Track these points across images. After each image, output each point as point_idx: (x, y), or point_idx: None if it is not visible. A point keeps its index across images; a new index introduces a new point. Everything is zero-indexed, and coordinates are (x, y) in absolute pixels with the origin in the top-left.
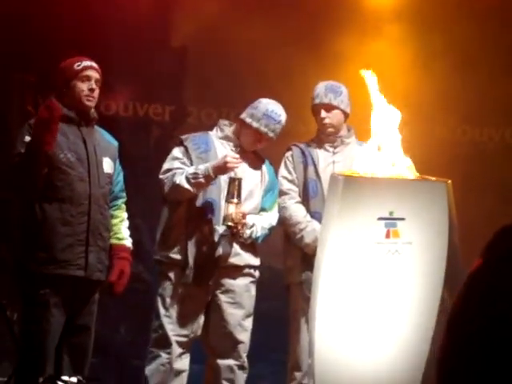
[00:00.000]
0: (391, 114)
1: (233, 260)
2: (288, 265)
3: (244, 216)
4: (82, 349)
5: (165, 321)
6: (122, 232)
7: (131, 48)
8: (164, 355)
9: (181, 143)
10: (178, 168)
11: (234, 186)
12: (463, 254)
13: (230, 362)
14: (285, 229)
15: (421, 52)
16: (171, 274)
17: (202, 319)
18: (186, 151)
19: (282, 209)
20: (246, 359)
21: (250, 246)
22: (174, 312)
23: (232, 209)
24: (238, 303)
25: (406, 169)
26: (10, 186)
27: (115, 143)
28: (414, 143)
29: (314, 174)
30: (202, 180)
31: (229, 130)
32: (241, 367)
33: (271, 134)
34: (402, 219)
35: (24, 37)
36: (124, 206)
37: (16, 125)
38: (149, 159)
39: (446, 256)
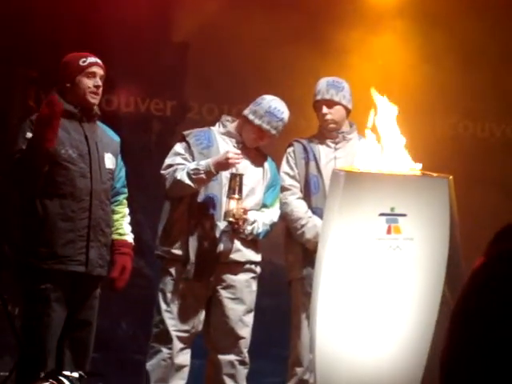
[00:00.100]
0: (391, 111)
1: (234, 256)
2: (289, 260)
3: (245, 212)
4: (83, 344)
5: (166, 316)
6: (124, 227)
7: (133, 44)
8: (165, 350)
9: (183, 139)
10: (180, 164)
11: (236, 182)
12: (465, 250)
13: (231, 357)
14: (286, 224)
15: (423, 48)
16: (172, 270)
17: (202, 315)
18: (188, 147)
19: (283, 204)
20: (247, 354)
21: (252, 242)
22: (175, 307)
23: (233, 204)
24: (239, 299)
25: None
26: (11, 182)
27: (117, 139)
28: (415, 138)
29: (316, 170)
30: (204, 176)
31: (231, 126)
32: (242, 362)
33: (273, 132)
34: (404, 215)
35: (26, 31)
36: (125, 202)
37: (18, 120)
38: (150, 154)
39: (447, 252)
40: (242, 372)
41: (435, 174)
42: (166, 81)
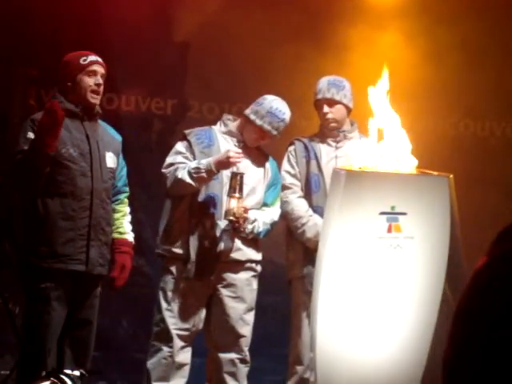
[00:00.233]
0: (392, 111)
1: (234, 255)
2: (290, 259)
3: (246, 211)
4: (84, 342)
5: (166, 315)
6: (124, 226)
7: (133, 43)
8: (166, 349)
9: (184, 138)
10: (181, 162)
11: (236, 181)
12: (465, 249)
13: (232, 355)
14: (287, 223)
15: (425, 46)
16: (173, 268)
17: (203, 313)
18: (190, 146)
19: (284, 203)
20: (247, 353)
21: (252, 240)
22: (175, 306)
23: (234, 203)
24: (240, 297)
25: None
26: (12, 181)
27: (119, 138)
28: (416, 137)
29: (317, 169)
30: (204, 175)
31: (232, 125)
32: (242, 361)
33: (274, 132)
34: (404, 214)
35: (27, 31)
36: (127, 201)
37: (18, 119)
38: (151, 153)
39: (447, 250)
40: (243, 370)
41: (436, 173)
42: (167, 80)
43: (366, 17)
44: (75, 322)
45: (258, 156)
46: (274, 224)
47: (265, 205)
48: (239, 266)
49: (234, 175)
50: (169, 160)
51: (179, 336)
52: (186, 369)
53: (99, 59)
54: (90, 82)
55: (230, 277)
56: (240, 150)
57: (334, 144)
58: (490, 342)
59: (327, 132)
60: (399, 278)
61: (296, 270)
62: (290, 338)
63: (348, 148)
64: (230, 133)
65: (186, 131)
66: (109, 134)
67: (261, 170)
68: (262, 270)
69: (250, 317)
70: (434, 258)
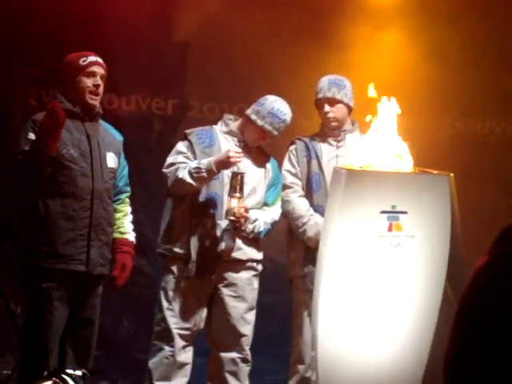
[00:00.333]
0: (391, 109)
1: (235, 254)
2: (291, 258)
3: (246, 210)
4: (85, 342)
5: (167, 314)
6: (125, 226)
7: (134, 43)
8: (167, 348)
9: (185, 137)
10: (182, 162)
11: (237, 181)
12: (465, 247)
13: (233, 354)
14: (288, 222)
15: (425, 45)
16: (174, 268)
17: (204, 312)
18: (191, 145)
19: (285, 202)
20: (249, 352)
21: (253, 240)
22: (176, 305)
23: (234, 203)
24: (241, 296)
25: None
26: (12, 182)
27: (120, 138)
28: (415, 135)
29: (318, 168)
30: (205, 174)
31: (233, 125)
32: (244, 360)
33: (275, 133)
34: (405, 212)
35: (27, 31)
36: (128, 201)
37: (19, 119)
38: (151, 153)
39: (448, 249)
40: (244, 369)
41: (436, 172)
42: (167, 80)
43: (367, 16)
44: (77, 321)
45: (259, 156)
46: (274, 224)
47: (265, 204)
48: (240, 265)
49: (234, 175)
50: (170, 160)
51: (180, 335)
52: (188, 368)
53: (99, 60)
54: (88, 82)
55: (231, 276)
56: (240, 150)
57: (334, 143)
58: (490, 340)
59: (328, 131)
60: (400, 276)
61: (297, 269)
62: (291, 337)
63: (348, 144)
64: (230, 132)
65: (187, 131)
66: (110, 133)
67: (261, 169)
68: (262, 269)
69: (251, 316)
70: (434, 257)
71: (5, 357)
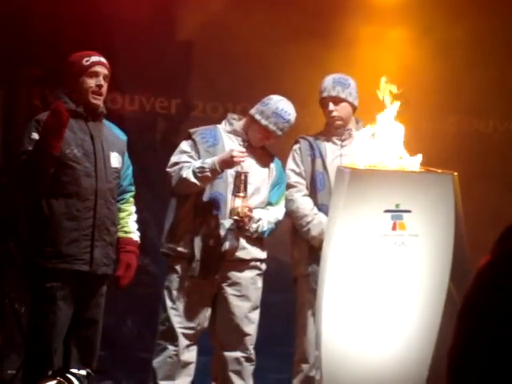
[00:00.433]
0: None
1: (239, 254)
2: (295, 257)
3: (250, 210)
4: (90, 342)
5: (171, 313)
6: (130, 225)
7: (137, 43)
8: (171, 347)
9: (189, 137)
10: (186, 162)
11: (241, 180)
12: (469, 246)
13: (237, 354)
14: (292, 221)
15: (430, 44)
16: (178, 267)
17: (208, 312)
18: (194, 145)
19: (289, 201)
20: (253, 351)
21: (257, 239)
22: (180, 305)
23: (238, 202)
24: (245, 296)
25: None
26: (16, 182)
27: (124, 137)
28: (419, 134)
29: (322, 167)
30: (209, 174)
31: (237, 125)
32: (248, 359)
33: (279, 133)
34: (409, 211)
35: (30, 31)
36: (132, 200)
37: (23, 119)
38: (155, 152)
39: (452, 248)
40: (248, 369)
41: (440, 171)
42: (171, 79)
43: (370, 14)
44: (81, 321)
45: (263, 156)
46: (278, 223)
47: (269, 204)
48: (244, 264)
49: (238, 174)
50: (173, 159)
51: (184, 335)
52: (192, 367)
53: (102, 59)
54: (91, 83)
55: (235, 275)
56: (244, 149)
57: (339, 142)
58: (493, 339)
59: (332, 130)
60: (404, 275)
61: (301, 269)
62: (295, 337)
63: (354, 142)
64: (234, 132)
65: (191, 130)
66: (114, 133)
67: (265, 169)
68: (266, 269)
69: (255, 315)
70: (438, 256)
71: (9, 356)
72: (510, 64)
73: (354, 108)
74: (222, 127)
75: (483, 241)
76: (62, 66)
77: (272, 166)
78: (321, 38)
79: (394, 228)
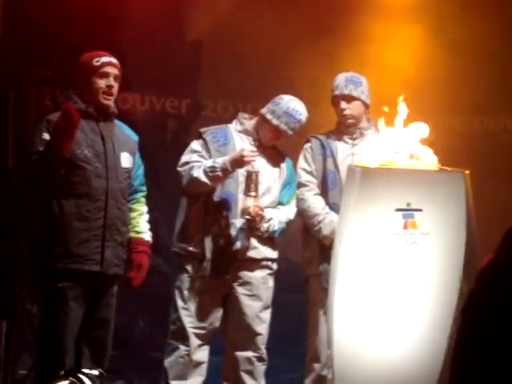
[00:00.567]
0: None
1: (250, 253)
2: (306, 256)
3: (261, 209)
4: (101, 342)
5: (182, 313)
6: (141, 225)
7: (147, 43)
8: (182, 347)
9: (200, 136)
10: (196, 161)
11: (252, 180)
12: (479, 244)
13: (249, 353)
14: (303, 221)
15: (440, 42)
16: (189, 267)
17: (219, 311)
18: (205, 144)
19: (300, 200)
20: (264, 351)
21: (268, 239)
22: (191, 304)
23: (250, 202)
24: (256, 295)
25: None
26: (27, 182)
27: (135, 137)
28: (429, 133)
29: (333, 166)
30: (220, 173)
31: (248, 124)
32: (259, 359)
33: (290, 133)
34: (420, 210)
35: (40, 31)
36: (144, 200)
37: (34, 119)
38: (166, 152)
39: (463, 246)
40: (260, 368)
41: (451, 169)
42: (181, 79)
43: (380, 12)
44: (92, 321)
45: (274, 155)
46: (289, 223)
47: (280, 203)
48: (255, 264)
49: (249, 174)
50: (184, 158)
51: (196, 334)
52: (204, 367)
53: (113, 60)
54: (101, 83)
55: (246, 275)
56: (254, 149)
57: (350, 141)
58: (496, 337)
59: (344, 129)
60: (415, 274)
61: (312, 268)
62: (306, 336)
63: (366, 142)
64: (245, 131)
65: (202, 129)
66: (125, 133)
67: (276, 169)
68: (278, 268)
69: (267, 315)
70: (450, 255)
71: (21, 357)
72: None
73: (367, 106)
74: (233, 127)
75: (492, 239)
76: (73, 67)
77: (283, 165)
78: (332, 36)
79: (405, 227)
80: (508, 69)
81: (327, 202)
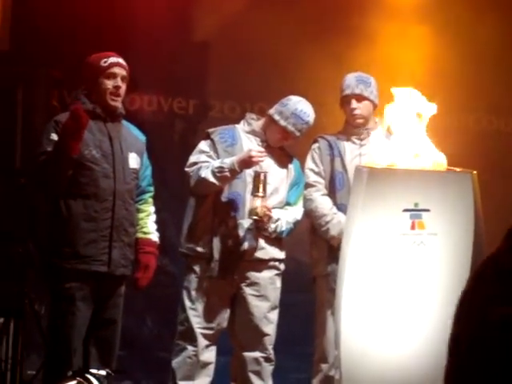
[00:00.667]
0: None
1: (258, 254)
2: (314, 257)
3: (269, 210)
4: (108, 342)
5: (190, 314)
6: (148, 226)
7: (155, 43)
8: (190, 348)
9: (208, 136)
10: (204, 161)
11: (260, 180)
12: (489, 244)
13: (256, 354)
14: (311, 221)
15: (450, 43)
16: (196, 267)
17: (227, 312)
18: (213, 144)
19: (307, 201)
20: (272, 351)
21: (275, 239)
22: (199, 305)
23: (257, 202)
24: (263, 296)
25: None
26: (35, 182)
27: (142, 138)
28: (439, 133)
29: (341, 167)
30: (228, 174)
31: (256, 125)
32: (267, 359)
33: (298, 134)
34: (427, 210)
35: (48, 31)
36: (151, 200)
37: (42, 120)
38: (173, 153)
39: (471, 247)
40: (268, 369)
41: (459, 169)
42: (188, 80)
43: (388, 12)
44: (100, 321)
45: (281, 156)
46: (296, 223)
47: (288, 204)
48: (262, 264)
49: (257, 174)
50: (192, 159)
51: (203, 335)
52: (211, 368)
53: (120, 60)
54: (109, 84)
55: (254, 275)
56: (262, 149)
57: (358, 142)
58: (487, 335)
59: (351, 129)
60: (423, 275)
61: (320, 268)
62: (314, 336)
63: (372, 142)
64: (253, 132)
65: (210, 130)
66: (132, 134)
67: (284, 169)
68: (285, 269)
69: (274, 315)
70: (457, 255)
71: (29, 357)
72: None
73: (375, 107)
74: (241, 127)
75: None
76: (81, 67)
77: (290, 166)
78: (339, 36)
79: (412, 227)
80: None
81: (335, 203)
